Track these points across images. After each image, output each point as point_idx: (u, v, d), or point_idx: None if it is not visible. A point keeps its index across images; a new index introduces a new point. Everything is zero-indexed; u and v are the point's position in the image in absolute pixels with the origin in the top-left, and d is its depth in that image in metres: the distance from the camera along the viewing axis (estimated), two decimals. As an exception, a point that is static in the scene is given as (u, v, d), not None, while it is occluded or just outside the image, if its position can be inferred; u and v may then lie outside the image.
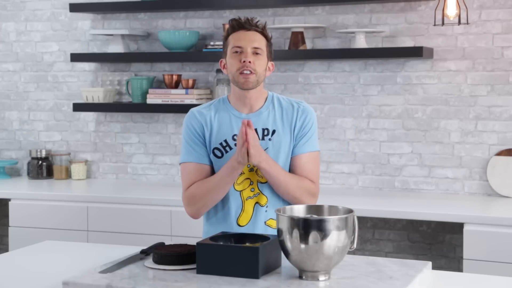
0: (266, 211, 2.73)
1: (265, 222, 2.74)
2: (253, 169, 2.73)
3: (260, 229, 2.72)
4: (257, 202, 2.74)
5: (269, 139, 2.74)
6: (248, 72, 2.68)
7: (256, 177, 2.73)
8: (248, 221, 2.74)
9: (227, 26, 4.38)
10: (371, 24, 4.30)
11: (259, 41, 2.71)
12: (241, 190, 2.74)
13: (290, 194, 2.71)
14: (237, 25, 2.73)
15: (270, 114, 2.77)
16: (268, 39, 2.75)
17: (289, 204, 2.72)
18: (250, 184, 2.74)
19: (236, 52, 2.71)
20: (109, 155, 4.92)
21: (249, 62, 2.67)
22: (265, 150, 2.71)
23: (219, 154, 2.76)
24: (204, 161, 2.77)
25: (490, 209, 3.88)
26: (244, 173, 2.73)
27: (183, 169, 2.80)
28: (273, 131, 2.75)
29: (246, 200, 2.74)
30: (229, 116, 2.78)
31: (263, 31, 2.74)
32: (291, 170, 2.77)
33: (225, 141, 2.76)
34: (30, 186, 4.69)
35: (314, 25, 4.28)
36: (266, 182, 2.73)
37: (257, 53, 2.70)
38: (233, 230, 2.70)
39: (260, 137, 2.74)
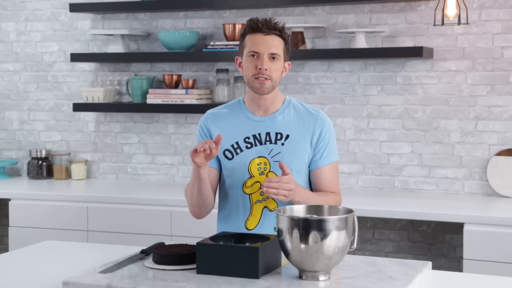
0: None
1: (274, 228, 2.72)
2: (264, 173, 2.71)
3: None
4: (265, 207, 2.73)
5: (282, 144, 2.72)
6: (264, 79, 2.66)
7: None
8: (256, 224, 2.73)
9: (228, 25, 4.43)
10: (371, 24, 4.30)
11: (276, 45, 2.67)
12: (250, 194, 2.73)
13: None
14: (255, 27, 2.67)
15: (285, 118, 2.75)
16: (286, 40, 2.70)
17: None
18: (259, 188, 2.72)
19: (253, 56, 2.67)
20: (109, 155, 4.92)
21: (265, 69, 2.65)
22: (277, 154, 2.70)
23: (229, 155, 2.75)
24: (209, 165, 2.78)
25: (490, 209, 3.88)
26: (254, 176, 2.72)
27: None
28: (287, 136, 2.73)
29: (255, 203, 2.73)
30: (243, 118, 2.77)
31: (281, 34, 2.68)
32: (313, 182, 2.76)
33: (236, 143, 2.74)
34: (30, 186, 4.69)
35: (314, 25, 4.28)
36: None
37: (274, 58, 2.66)
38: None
39: (273, 141, 2.72)
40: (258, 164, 2.72)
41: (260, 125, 2.75)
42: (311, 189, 2.79)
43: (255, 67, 2.66)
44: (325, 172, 2.75)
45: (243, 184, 2.73)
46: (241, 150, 2.74)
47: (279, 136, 2.73)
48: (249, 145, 2.74)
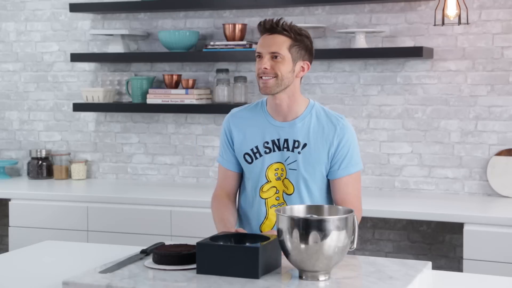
0: None
1: None
2: (280, 178, 2.71)
3: None
4: None
5: (298, 152, 2.70)
6: (267, 77, 2.64)
7: (282, 187, 2.72)
8: (271, 229, 2.73)
9: (228, 25, 4.43)
10: (371, 24, 4.30)
11: (278, 44, 2.63)
12: (267, 198, 2.74)
13: None
14: (262, 29, 2.68)
15: (305, 126, 2.71)
16: (294, 39, 2.65)
17: None
18: (275, 193, 2.73)
19: (258, 57, 2.67)
20: (109, 155, 4.92)
21: (265, 68, 2.63)
22: (293, 162, 2.69)
23: (249, 159, 2.75)
24: (230, 167, 2.81)
25: (490, 209, 3.88)
26: (270, 181, 2.72)
27: (218, 171, 2.88)
28: (304, 145, 2.70)
29: (270, 208, 2.74)
30: (264, 122, 2.75)
31: (287, 32, 2.65)
32: (332, 192, 2.74)
33: (256, 147, 2.74)
34: (30, 186, 4.69)
35: (314, 25, 4.28)
36: (291, 194, 2.71)
37: (276, 57, 2.64)
38: None
39: (290, 149, 2.70)
40: (275, 170, 2.72)
41: (279, 131, 2.73)
42: (330, 198, 2.77)
43: (259, 68, 2.66)
44: (341, 183, 2.71)
45: (260, 189, 2.74)
46: (260, 155, 2.73)
47: (296, 144, 2.70)
48: (267, 150, 2.73)
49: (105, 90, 4.71)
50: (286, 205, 2.72)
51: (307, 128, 2.71)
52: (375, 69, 4.32)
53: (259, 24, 2.70)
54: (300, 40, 2.67)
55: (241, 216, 2.84)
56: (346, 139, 2.70)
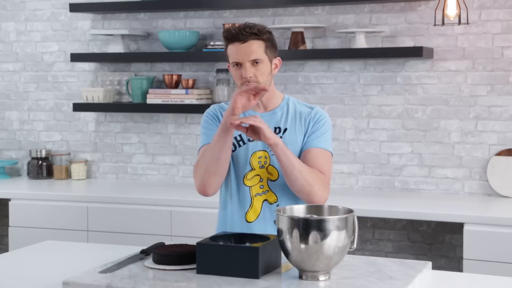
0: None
1: (274, 221, 2.73)
2: (264, 166, 2.74)
3: (269, 227, 2.72)
4: (265, 200, 2.75)
5: (280, 137, 2.74)
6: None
7: (266, 174, 2.74)
8: (256, 217, 2.75)
9: (228, 25, 4.42)
10: (371, 24, 4.30)
11: (256, 50, 2.67)
12: (251, 186, 2.75)
13: (304, 179, 2.62)
14: (231, 37, 2.69)
15: (284, 114, 2.79)
16: (267, 40, 2.70)
17: (300, 202, 2.71)
18: (259, 181, 2.74)
19: (236, 65, 2.69)
20: (109, 155, 4.92)
21: (250, 77, 2.66)
22: None
23: (232, 147, 2.76)
24: None
25: (490, 209, 3.88)
26: (254, 169, 2.74)
27: (200, 153, 2.77)
28: (285, 130, 2.76)
29: (255, 196, 2.75)
30: (245, 113, 2.77)
31: (259, 36, 2.67)
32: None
33: (240, 135, 2.77)
34: (30, 186, 4.69)
35: (314, 25, 4.29)
36: (276, 180, 2.74)
37: (256, 63, 2.67)
38: (242, 226, 2.73)
39: None
40: (259, 158, 2.75)
41: None
42: None
43: (241, 76, 2.68)
44: (312, 152, 2.73)
45: (244, 176, 2.75)
46: (244, 143, 2.77)
47: (277, 130, 2.77)
48: (251, 138, 2.75)
49: (105, 90, 4.71)
50: (271, 192, 2.74)
51: (286, 116, 2.79)
52: (375, 69, 4.32)
53: (226, 31, 2.69)
54: (270, 39, 2.73)
55: (225, 210, 2.82)
56: (321, 118, 2.79)
